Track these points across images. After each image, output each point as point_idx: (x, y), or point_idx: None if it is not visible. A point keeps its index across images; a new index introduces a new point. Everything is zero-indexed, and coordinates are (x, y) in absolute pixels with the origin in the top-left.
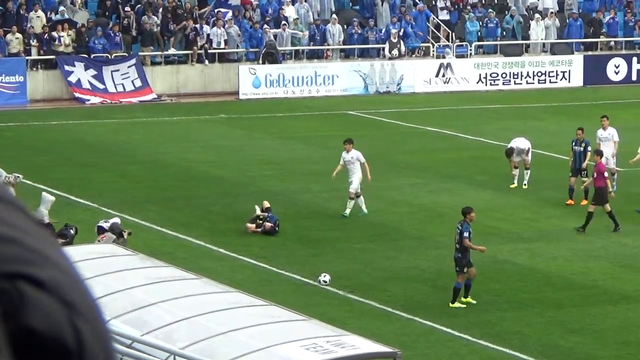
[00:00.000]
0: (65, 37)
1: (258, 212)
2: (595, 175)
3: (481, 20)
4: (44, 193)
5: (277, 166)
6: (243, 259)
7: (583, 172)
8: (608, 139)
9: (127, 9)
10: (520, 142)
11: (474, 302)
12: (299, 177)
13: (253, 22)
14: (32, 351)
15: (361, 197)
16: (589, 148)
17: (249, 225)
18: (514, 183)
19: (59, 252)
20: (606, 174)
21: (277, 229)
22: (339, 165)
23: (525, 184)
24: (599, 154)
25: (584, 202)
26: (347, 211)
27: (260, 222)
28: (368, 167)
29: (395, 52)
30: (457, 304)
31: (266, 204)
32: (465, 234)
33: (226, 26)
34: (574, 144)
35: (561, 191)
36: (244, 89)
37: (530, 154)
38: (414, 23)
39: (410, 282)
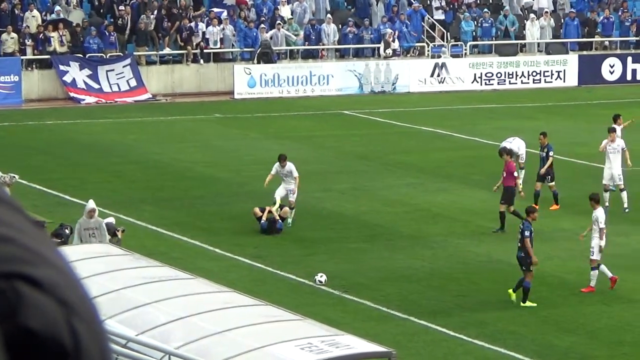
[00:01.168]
0: (57, 38)
1: (274, 208)
2: (504, 175)
3: (476, 20)
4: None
5: (272, 166)
6: (238, 259)
7: (547, 177)
8: (617, 150)
9: (122, 8)
10: (514, 144)
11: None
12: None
13: (248, 22)
14: (29, 351)
15: (291, 209)
16: (551, 153)
17: (257, 210)
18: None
19: (56, 251)
20: (516, 174)
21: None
22: (270, 175)
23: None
24: (509, 153)
25: (554, 207)
26: (290, 220)
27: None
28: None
29: (389, 51)
30: (528, 304)
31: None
32: (527, 233)
33: (221, 26)
34: (539, 149)
35: (557, 191)
36: (239, 89)
37: (524, 155)
38: (408, 23)
39: (405, 282)
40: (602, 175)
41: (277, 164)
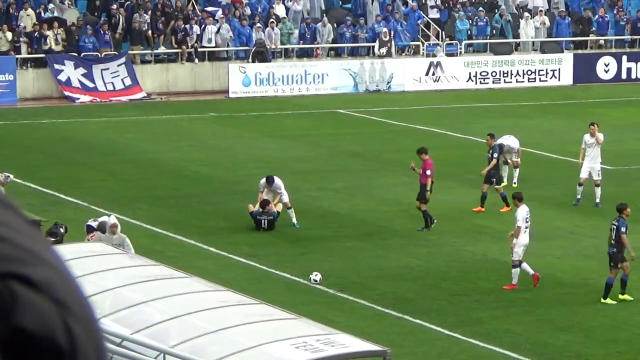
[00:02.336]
0: (52, 37)
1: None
2: (420, 172)
3: (471, 18)
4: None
5: (266, 165)
6: (233, 258)
7: (492, 180)
8: (595, 145)
9: (114, 6)
10: (510, 141)
11: (631, 298)
12: (289, 176)
13: (241, 20)
14: (25, 351)
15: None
16: (495, 155)
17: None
18: (503, 181)
19: (51, 251)
20: (428, 172)
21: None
22: (260, 194)
23: (515, 183)
24: (425, 151)
25: (505, 209)
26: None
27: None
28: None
29: (383, 50)
30: (608, 300)
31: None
32: (623, 229)
33: (216, 25)
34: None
35: (551, 190)
36: (234, 88)
37: (519, 154)
38: (403, 21)
39: (400, 281)
40: (579, 170)
41: (264, 181)
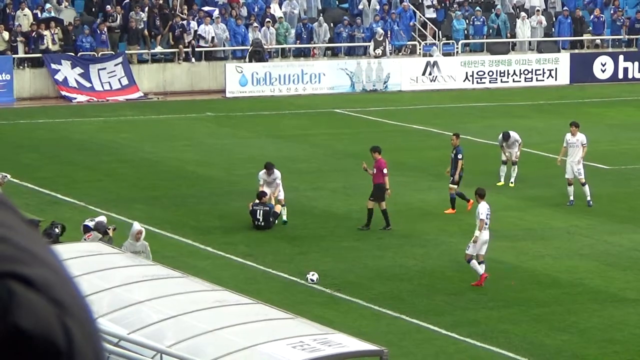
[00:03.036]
0: (49, 37)
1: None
2: (375, 172)
3: (468, 18)
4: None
5: (263, 164)
6: (229, 257)
7: (451, 179)
8: (576, 144)
9: (109, 7)
10: (514, 134)
11: None
12: (286, 176)
13: (236, 19)
14: (22, 351)
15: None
16: (460, 156)
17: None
18: (500, 181)
19: (49, 251)
20: (385, 171)
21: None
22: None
23: (512, 182)
24: (377, 150)
25: (450, 210)
26: (285, 217)
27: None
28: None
29: (379, 51)
30: None
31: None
32: None
33: (213, 24)
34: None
35: (547, 190)
36: (231, 87)
37: (520, 149)
38: (399, 21)
39: (397, 281)
40: (564, 169)
41: (263, 172)
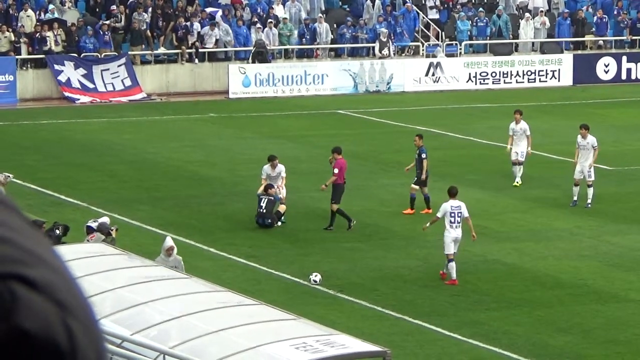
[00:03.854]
0: (52, 38)
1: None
2: (336, 172)
3: (471, 19)
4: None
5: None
6: (232, 258)
7: (414, 179)
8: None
9: (113, 7)
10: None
11: None
12: (288, 177)
13: (243, 21)
14: (25, 352)
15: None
16: (423, 156)
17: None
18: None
19: (52, 252)
20: (336, 171)
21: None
22: (263, 180)
23: (518, 182)
24: (337, 151)
25: (409, 211)
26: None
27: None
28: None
29: (385, 51)
30: None
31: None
32: None
33: (216, 25)
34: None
35: (551, 191)
36: (234, 88)
37: (529, 145)
38: (402, 22)
39: (400, 282)
40: (573, 170)
41: (268, 165)
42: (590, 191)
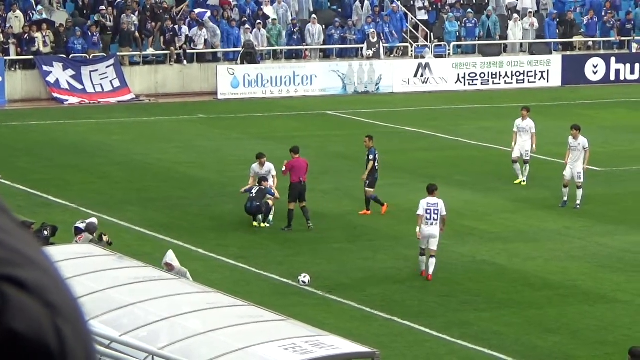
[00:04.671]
0: (40, 39)
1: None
2: (291, 172)
3: (460, 20)
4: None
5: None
6: (221, 259)
7: (366, 182)
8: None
9: (102, 7)
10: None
11: None
12: (278, 177)
13: (235, 21)
14: (15, 353)
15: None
16: (370, 157)
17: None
18: (519, 179)
19: (41, 253)
20: (283, 169)
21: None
22: (251, 179)
23: (523, 181)
24: (294, 150)
25: (365, 212)
26: (271, 218)
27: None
28: (276, 181)
29: (370, 52)
30: None
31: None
32: None
33: (204, 26)
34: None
35: (540, 192)
36: (223, 89)
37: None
38: (390, 23)
39: (388, 283)
40: (563, 170)
41: (256, 164)
42: (580, 192)
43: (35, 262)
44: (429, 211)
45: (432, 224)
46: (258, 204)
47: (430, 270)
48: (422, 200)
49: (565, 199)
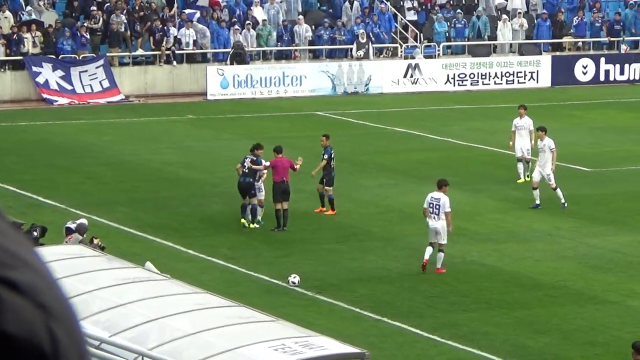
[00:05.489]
0: (29, 40)
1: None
2: (274, 171)
3: (449, 20)
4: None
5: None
6: (211, 260)
7: (323, 180)
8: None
9: (94, 8)
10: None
11: None
12: (267, 178)
13: (225, 22)
14: (8, 355)
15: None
16: (325, 157)
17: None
18: (521, 179)
19: (34, 254)
20: (267, 164)
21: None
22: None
23: (527, 176)
24: (277, 150)
25: (321, 209)
26: (260, 218)
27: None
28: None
29: (361, 52)
30: None
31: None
32: None
33: (194, 27)
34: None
35: (530, 192)
36: (212, 90)
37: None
38: (379, 23)
39: (379, 283)
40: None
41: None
42: (558, 192)
43: (28, 264)
44: (431, 205)
45: (434, 218)
46: (250, 180)
47: (438, 264)
48: (429, 193)
49: (538, 202)
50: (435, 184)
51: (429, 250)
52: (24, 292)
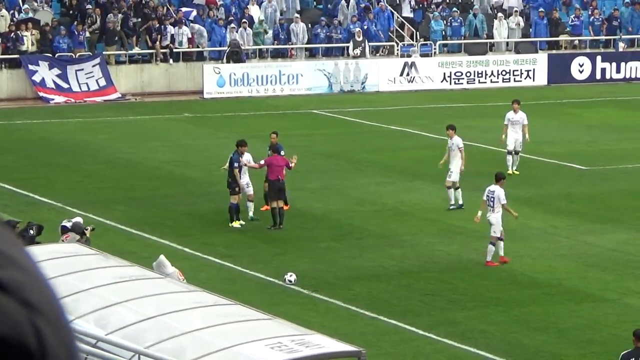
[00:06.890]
0: (27, 38)
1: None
2: (269, 170)
3: (446, 19)
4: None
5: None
6: (208, 258)
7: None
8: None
9: (90, 7)
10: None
11: None
12: (263, 177)
13: (222, 20)
14: None
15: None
16: (282, 153)
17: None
18: (510, 170)
19: (23, 252)
20: (262, 162)
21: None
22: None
23: (514, 171)
24: (276, 150)
25: (265, 207)
26: (251, 213)
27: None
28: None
29: (357, 51)
30: None
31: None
32: None
33: (190, 25)
34: None
35: (526, 190)
36: (208, 88)
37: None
38: (376, 22)
39: (375, 281)
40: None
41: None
42: (458, 193)
43: (15, 261)
44: (487, 197)
45: (491, 211)
46: (229, 179)
47: (488, 257)
48: (486, 187)
49: (452, 202)
50: (494, 176)
51: (491, 250)
52: (9, 291)
